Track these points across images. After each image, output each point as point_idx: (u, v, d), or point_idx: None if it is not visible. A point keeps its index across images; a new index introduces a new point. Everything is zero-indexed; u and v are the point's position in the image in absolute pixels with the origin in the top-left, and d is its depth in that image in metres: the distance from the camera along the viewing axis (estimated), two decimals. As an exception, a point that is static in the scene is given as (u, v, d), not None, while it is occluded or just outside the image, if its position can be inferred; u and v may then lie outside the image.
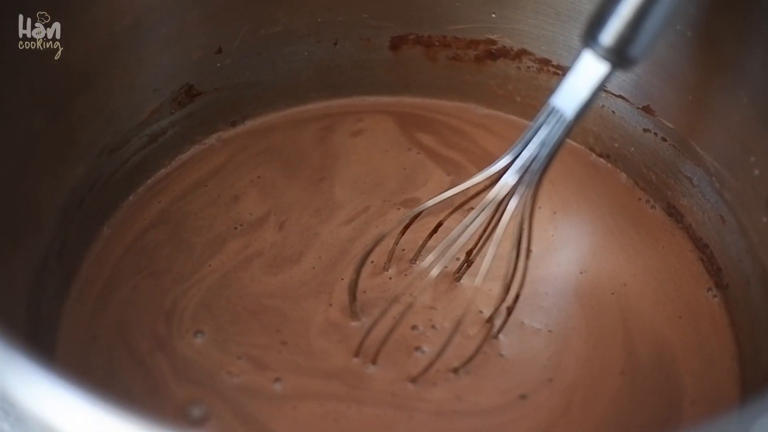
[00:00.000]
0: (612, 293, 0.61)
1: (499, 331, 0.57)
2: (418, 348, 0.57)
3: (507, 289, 0.56)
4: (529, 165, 0.51)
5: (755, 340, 0.57)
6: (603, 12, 0.48)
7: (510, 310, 0.56)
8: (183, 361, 0.55)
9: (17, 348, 0.36)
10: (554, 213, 0.66)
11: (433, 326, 0.58)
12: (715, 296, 0.61)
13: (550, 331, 0.58)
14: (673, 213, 0.66)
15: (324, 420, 0.53)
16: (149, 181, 0.66)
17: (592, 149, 0.70)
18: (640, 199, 0.67)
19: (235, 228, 0.63)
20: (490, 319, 0.57)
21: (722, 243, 0.61)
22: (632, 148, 0.67)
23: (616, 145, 0.68)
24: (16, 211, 0.52)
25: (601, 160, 0.70)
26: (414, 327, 0.58)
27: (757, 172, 0.56)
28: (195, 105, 0.67)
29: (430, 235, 0.60)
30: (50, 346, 0.55)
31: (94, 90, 0.58)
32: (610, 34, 0.48)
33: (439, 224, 0.60)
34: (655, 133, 0.65)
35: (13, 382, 0.35)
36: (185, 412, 0.53)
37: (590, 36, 0.49)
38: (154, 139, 0.65)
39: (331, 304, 0.59)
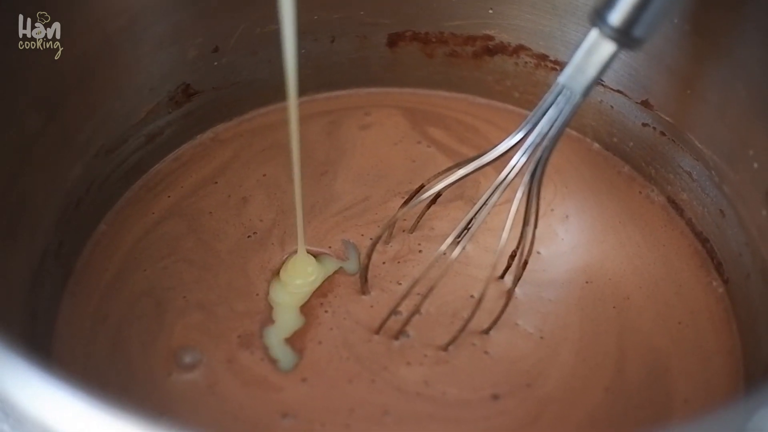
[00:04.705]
0: (614, 307, 0.59)
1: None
2: (403, 332, 0.57)
3: (513, 256, 0.56)
4: (540, 142, 0.52)
5: (756, 334, 0.57)
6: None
7: (519, 275, 0.56)
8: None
9: (15, 351, 0.36)
10: (552, 210, 0.65)
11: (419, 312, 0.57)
12: (716, 291, 0.61)
13: (542, 337, 0.57)
14: (674, 207, 0.65)
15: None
16: (148, 180, 0.66)
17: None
18: (640, 192, 0.67)
19: (249, 237, 0.63)
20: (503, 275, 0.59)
21: (722, 237, 0.61)
22: (631, 143, 0.67)
23: (615, 140, 0.68)
24: (12, 211, 0.52)
25: (603, 151, 0.70)
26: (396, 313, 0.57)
27: (756, 165, 0.55)
28: (192, 104, 0.67)
29: (428, 206, 0.61)
30: (47, 343, 0.55)
31: (90, 90, 0.58)
32: (618, 14, 0.48)
33: (438, 195, 0.60)
34: (654, 128, 0.64)
35: (10, 384, 0.35)
36: (177, 356, 0.55)
37: (598, 15, 0.49)
38: (151, 139, 0.65)
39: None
